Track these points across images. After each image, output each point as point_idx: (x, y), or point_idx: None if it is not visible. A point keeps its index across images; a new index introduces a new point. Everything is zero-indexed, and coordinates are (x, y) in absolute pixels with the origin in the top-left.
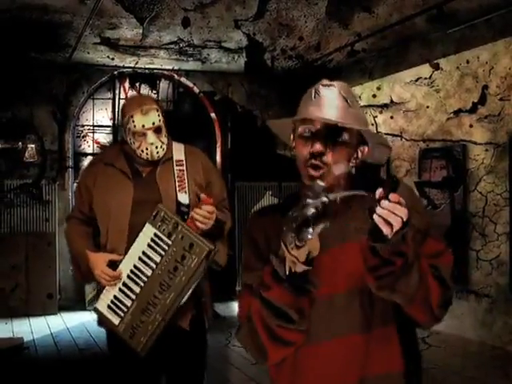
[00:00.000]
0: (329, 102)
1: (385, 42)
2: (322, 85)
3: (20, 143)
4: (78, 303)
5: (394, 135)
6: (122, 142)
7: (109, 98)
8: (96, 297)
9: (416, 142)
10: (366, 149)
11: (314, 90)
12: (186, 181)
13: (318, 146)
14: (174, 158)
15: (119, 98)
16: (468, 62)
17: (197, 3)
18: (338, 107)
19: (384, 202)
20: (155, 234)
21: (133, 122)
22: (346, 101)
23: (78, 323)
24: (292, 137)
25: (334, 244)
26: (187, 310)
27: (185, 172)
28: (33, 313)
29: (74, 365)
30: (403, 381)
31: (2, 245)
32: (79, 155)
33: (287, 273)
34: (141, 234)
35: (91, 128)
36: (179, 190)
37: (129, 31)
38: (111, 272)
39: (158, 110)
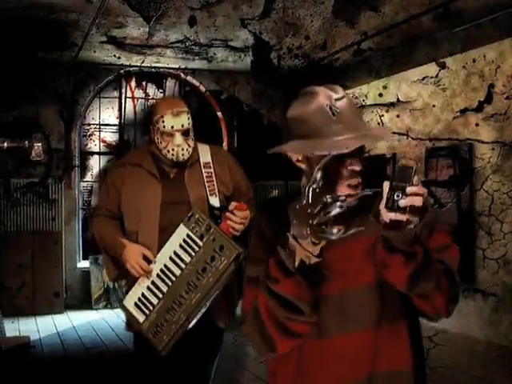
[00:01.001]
0: (350, 115)
1: (391, 41)
2: (335, 99)
3: (26, 142)
4: (84, 302)
5: (400, 134)
6: (149, 143)
7: (115, 97)
8: (103, 296)
9: (422, 140)
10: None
11: (328, 107)
12: (216, 184)
13: (358, 165)
14: (201, 161)
15: (125, 97)
16: (474, 60)
17: (203, 2)
18: (357, 117)
19: (410, 188)
20: (188, 235)
21: (163, 122)
22: (354, 104)
23: (84, 322)
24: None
25: (346, 238)
26: (223, 309)
27: (213, 175)
28: (39, 311)
29: (80, 363)
30: (413, 378)
31: (8, 243)
32: (85, 154)
33: (297, 265)
34: (174, 234)
35: (97, 127)
36: (210, 194)
37: (135, 30)
38: (145, 265)
39: (188, 113)
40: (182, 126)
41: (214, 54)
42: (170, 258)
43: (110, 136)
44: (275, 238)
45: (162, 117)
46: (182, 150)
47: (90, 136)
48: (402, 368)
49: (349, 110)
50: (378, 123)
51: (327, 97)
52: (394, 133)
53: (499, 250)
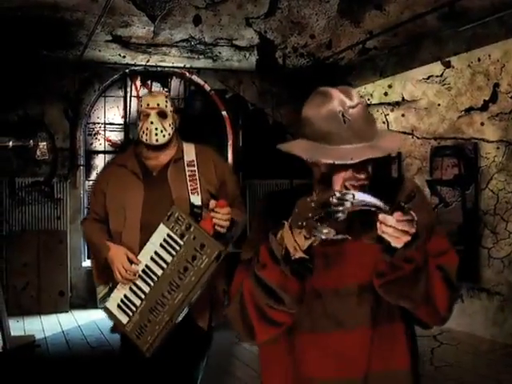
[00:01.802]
0: (363, 125)
1: (396, 40)
2: (349, 106)
3: (31, 141)
4: (89, 301)
5: (405, 133)
6: (136, 143)
7: (120, 96)
8: (108, 294)
9: (427, 140)
10: None
11: (341, 114)
12: (198, 182)
13: (363, 174)
14: (185, 159)
15: (131, 96)
16: (479, 59)
17: (208, 1)
18: (369, 125)
19: (388, 219)
20: (168, 235)
21: (141, 101)
22: (367, 111)
23: (89, 321)
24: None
25: (355, 235)
26: (205, 310)
27: (196, 173)
28: (44, 311)
29: (85, 363)
30: (410, 379)
31: (13, 243)
32: (90, 153)
33: (283, 254)
34: (154, 234)
35: (102, 126)
36: (192, 192)
37: (140, 29)
38: (130, 266)
39: (166, 97)
40: (158, 105)
41: (219, 53)
42: (151, 259)
43: (115, 135)
44: (275, 228)
45: (141, 98)
46: (156, 129)
47: (95, 135)
48: (399, 368)
49: (361, 118)
50: (384, 122)
51: (341, 103)
52: (399, 132)
53: (504, 249)
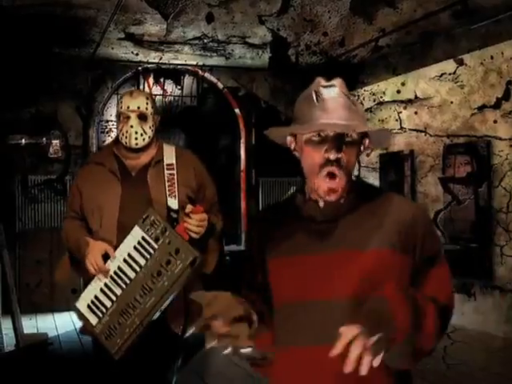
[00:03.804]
0: (334, 104)
1: (409, 38)
2: (322, 86)
3: (44, 139)
4: None
5: (418, 131)
6: (115, 142)
7: None
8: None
9: (440, 137)
10: (367, 140)
11: (314, 93)
12: (176, 186)
13: (334, 153)
14: (165, 162)
15: None
16: (492, 57)
17: None
18: (344, 108)
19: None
20: (143, 238)
21: (121, 103)
22: (349, 98)
23: None
24: (293, 141)
25: (335, 249)
26: (180, 315)
27: (175, 176)
28: (57, 308)
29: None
30: None
31: (26, 240)
32: None
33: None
34: (128, 236)
35: (115, 123)
36: (169, 195)
37: (153, 27)
38: (101, 263)
39: (147, 99)
40: (138, 107)
41: (232, 50)
42: (125, 261)
43: None
44: (270, 242)
45: (121, 99)
46: (136, 133)
47: (107, 133)
48: None
49: (335, 99)
50: (396, 120)
51: (317, 84)
52: (412, 129)
53: None
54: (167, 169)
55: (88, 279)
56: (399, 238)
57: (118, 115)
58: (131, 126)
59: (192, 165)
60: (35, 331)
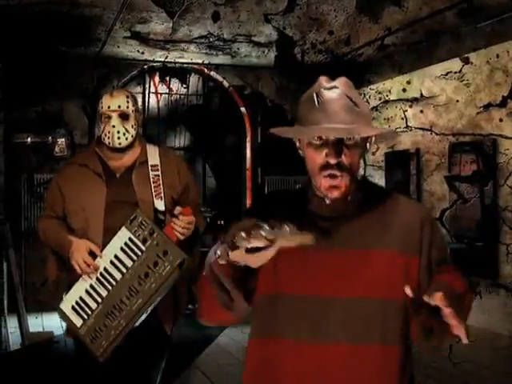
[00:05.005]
0: (335, 107)
1: (415, 36)
2: (324, 87)
3: (50, 137)
4: None
5: (423, 129)
6: (97, 142)
7: (139, 92)
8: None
9: (446, 136)
10: (373, 139)
11: (315, 95)
12: (162, 187)
13: (335, 157)
14: (149, 163)
15: (149, 92)
16: (498, 56)
17: None
18: (345, 111)
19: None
20: (130, 239)
21: (101, 103)
22: (351, 100)
23: None
24: (296, 140)
25: (339, 247)
26: (169, 315)
27: (160, 177)
28: None
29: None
30: None
31: (32, 239)
32: None
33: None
34: (115, 237)
35: None
36: (156, 197)
37: (159, 25)
38: (91, 260)
39: (128, 97)
40: (119, 107)
41: (238, 49)
42: (111, 262)
43: None
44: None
45: (102, 99)
46: (118, 133)
47: None
48: None
49: (336, 101)
50: (402, 118)
51: (319, 85)
52: (418, 128)
53: None
54: (152, 170)
55: (73, 279)
56: (405, 240)
57: (100, 116)
58: (113, 126)
59: (176, 166)
60: (41, 330)
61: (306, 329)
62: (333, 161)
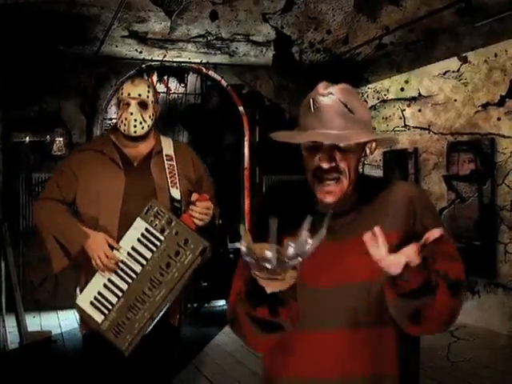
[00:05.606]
0: (329, 113)
1: (413, 36)
2: (320, 94)
3: (48, 136)
4: None
5: (422, 128)
6: (113, 130)
7: None
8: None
9: (444, 135)
10: (374, 144)
11: (311, 100)
12: (177, 176)
13: (327, 162)
14: (164, 153)
15: None
16: (496, 55)
17: None
18: (339, 117)
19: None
20: (146, 229)
21: (122, 89)
22: (347, 107)
23: None
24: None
25: (344, 237)
26: (177, 307)
27: (175, 167)
28: (61, 306)
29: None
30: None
31: (30, 238)
32: None
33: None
34: (131, 228)
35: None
36: (171, 186)
37: (157, 24)
38: (112, 254)
39: (149, 87)
40: (139, 95)
41: (236, 48)
42: (129, 254)
43: None
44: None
45: (122, 86)
46: (135, 121)
47: None
48: (388, 373)
49: (330, 107)
50: (400, 117)
51: (315, 91)
52: (416, 127)
53: None
54: (167, 159)
55: (84, 272)
56: (396, 219)
57: (118, 102)
58: (131, 114)
59: (191, 158)
60: (39, 329)
61: (312, 318)
62: (325, 165)
